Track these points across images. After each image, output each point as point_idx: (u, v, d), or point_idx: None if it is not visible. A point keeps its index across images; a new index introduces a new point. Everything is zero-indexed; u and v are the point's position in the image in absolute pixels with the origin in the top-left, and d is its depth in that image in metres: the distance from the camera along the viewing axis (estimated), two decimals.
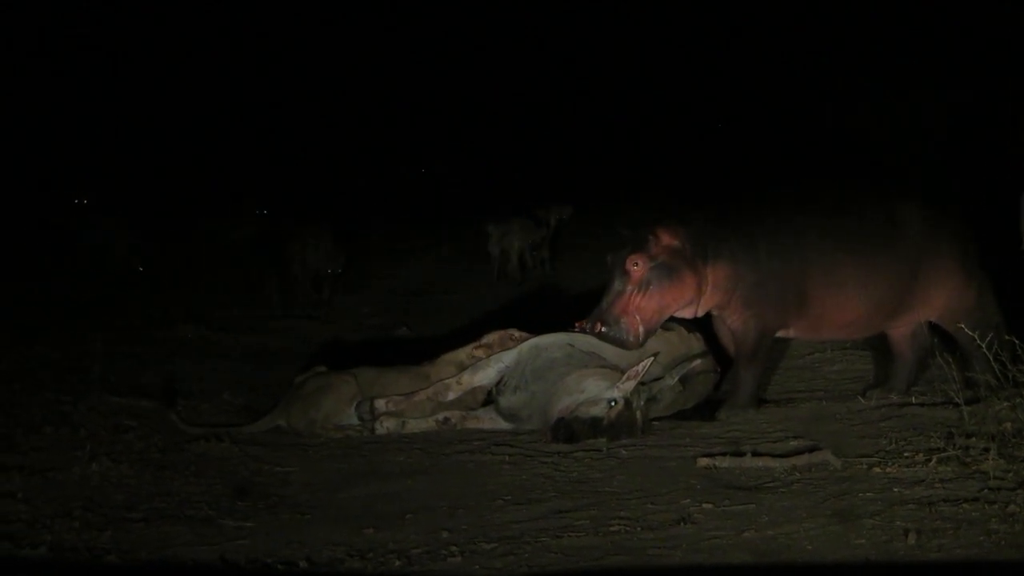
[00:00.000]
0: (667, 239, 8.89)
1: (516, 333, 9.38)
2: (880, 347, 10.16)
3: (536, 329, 9.35)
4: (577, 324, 8.95)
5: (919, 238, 9.03)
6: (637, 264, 8.81)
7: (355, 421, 9.12)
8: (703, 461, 7.58)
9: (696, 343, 9.45)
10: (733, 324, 9.17)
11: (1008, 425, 7.26)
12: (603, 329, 8.85)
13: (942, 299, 9.16)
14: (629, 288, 8.84)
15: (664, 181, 25.13)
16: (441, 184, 33.08)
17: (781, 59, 26.98)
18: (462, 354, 9.47)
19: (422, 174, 36.31)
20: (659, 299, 8.85)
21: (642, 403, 8.54)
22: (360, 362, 9.65)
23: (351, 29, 35.48)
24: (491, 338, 9.48)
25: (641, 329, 8.85)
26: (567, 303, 9.07)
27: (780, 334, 9.31)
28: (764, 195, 9.73)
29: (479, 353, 9.40)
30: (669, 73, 32.87)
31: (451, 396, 9.13)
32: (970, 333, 8.10)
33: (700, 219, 9.16)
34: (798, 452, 7.56)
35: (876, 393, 9.17)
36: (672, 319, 9.37)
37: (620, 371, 8.61)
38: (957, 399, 7.82)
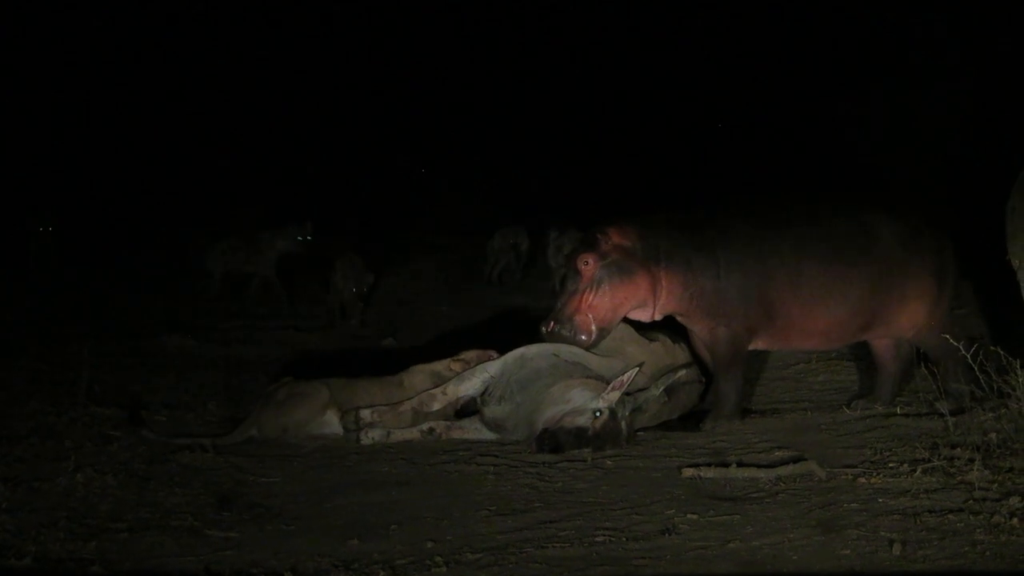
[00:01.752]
0: (617, 238, 8.94)
1: (494, 354, 9.37)
2: (865, 357, 10.19)
3: (525, 342, 9.33)
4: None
5: (892, 251, 9.04)
6: (587, 263, 8.90)
7: (328, 430, 9.11)
8: (688, 472, 7.59)
9: (681, 354, 9.45)
10: (702, 335, 9.20)
11: (993, 436, 7.31)
12: (556, 328, 8.91)
13: (918, 313, 9.14)
14: (581, 287, 8.92)
15: (664, 185, 25.08)
16: (435, 192, 32.90)
17: (779, 61, 27.01)
18: (439, 366, 9.47)
19: (422, 174, 36.21)
20: (610, 298, 8.91)
21: (627, 414, 8.53)
22: (341, 374, 9.64)
23: (349, 30, 35.46)
24: (469, 355, 9.47)
25: (594, 328, 8.92)
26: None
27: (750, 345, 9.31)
28: (732, 204, 9.71)
29: (456, 367, 9.41)
30: (667, 75, 32.81)
31: (436, 406, 9.12)
32: (955, 343, 8.13)
33: (659, 221, 9.18)
34: (783, 462, 7.58)
35: (861, 404, 9.19)
36: (655, 329, 9.39)
37: (605, 382, 8.60)
38: (942, 410, 7.86)
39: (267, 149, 31.88)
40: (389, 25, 35.14)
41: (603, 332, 9.00)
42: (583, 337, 8.93)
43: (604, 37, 34.59)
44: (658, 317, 9.22)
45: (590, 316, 8.91)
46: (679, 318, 9.29)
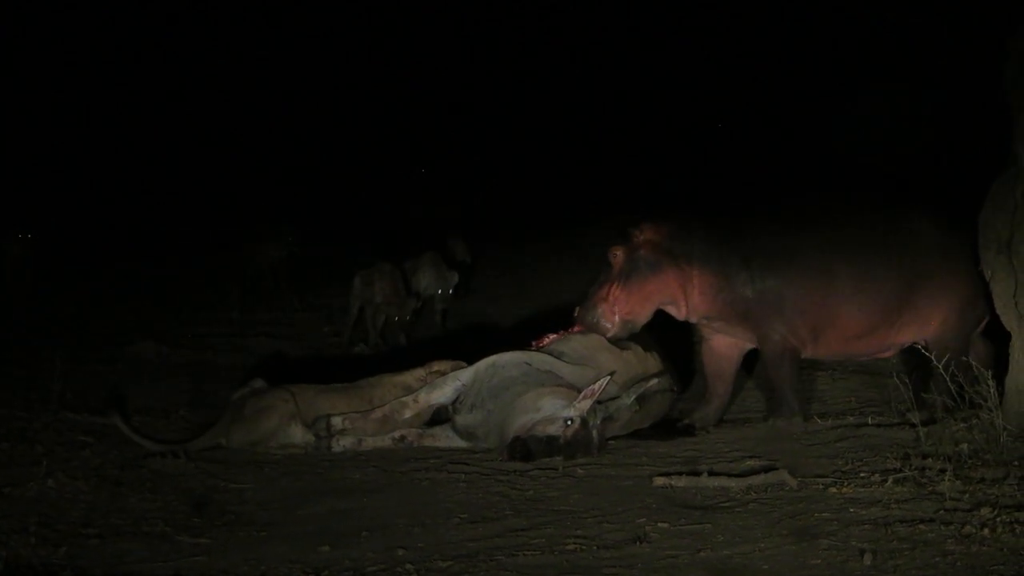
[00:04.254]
0: (650, 234, 9.09)
1: (464, 364, 9.35)
2: (835, 368, 10.20)
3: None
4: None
5: (929, 249, 9.02)
6: (616, 255, 9.09)
7: (297, 439, 9.07)
8: (659, 480, 7.59)
9: (653, 362, 9.45)
10: (758, 343, 9.26)
11: (964, 446, 7.33)
12: (581, 314, 9.07)
13: (947, 311, 9.09)
14: (610, 278, 9.08)
15: (664, 186, 25.04)
16: (426, 200, 32.74)
17: (778, 61, 27.04)
18: (409, 377, 9.45)
19: (422, 173, 36.10)
20: (638, 290, 9.05)
21: (598, 422, 8.53)
22: (311, 381, 9.61)
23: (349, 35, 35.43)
24: (442, 366, 9.46)
25: (618, 319, 9.09)
26: (540, 319, 9.14)
27: None
28: (767, 208, 9.69)
29: (423, 376, 9.41)
30: (667, 75, 32.75)
31: (408, 414, 9.10)
32: (927, 354, 8.14)
33: (697, 222, 9.27)
34: (754, 472, 7.59)
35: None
36: (629, 338, 9.38)
37: (577, 390, 8.59)
38: (913, 420, 7.87)
39: (265, 149, 31.80)
40: (389, 25, 35.13)
41: (628, 324, 9.16)
42: (606, 326, 9.12)
43: (604, 37, 34.59)
44: (693, 319, 9.32)
45: (615, 308, 9.04)
46: (715, 324, 9.32)
